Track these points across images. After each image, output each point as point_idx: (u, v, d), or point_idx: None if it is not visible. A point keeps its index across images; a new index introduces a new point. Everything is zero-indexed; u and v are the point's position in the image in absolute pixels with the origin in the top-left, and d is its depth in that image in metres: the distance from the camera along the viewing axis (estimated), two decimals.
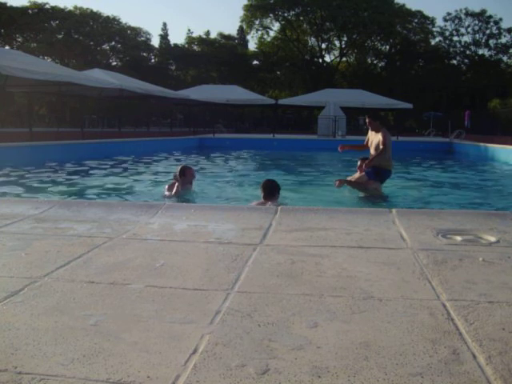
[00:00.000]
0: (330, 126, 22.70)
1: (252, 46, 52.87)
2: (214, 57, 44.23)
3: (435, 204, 6.27)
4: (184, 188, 5.74)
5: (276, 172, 10.02)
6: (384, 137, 6.15)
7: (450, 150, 18.65)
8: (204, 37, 49.10)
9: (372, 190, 6.13)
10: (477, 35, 44.14)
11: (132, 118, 22.83)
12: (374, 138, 6.32)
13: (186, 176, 5.76)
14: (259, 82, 47.22)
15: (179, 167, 5.92)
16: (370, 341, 1.52)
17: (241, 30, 49.30)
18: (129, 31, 45.97)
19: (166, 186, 5.91)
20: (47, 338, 1.53)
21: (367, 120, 6.42)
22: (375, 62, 47.99)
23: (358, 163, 6.51)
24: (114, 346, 1.48)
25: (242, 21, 45.39)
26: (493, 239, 2.78)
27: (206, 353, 1.44)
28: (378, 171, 6.17)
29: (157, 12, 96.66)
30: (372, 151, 6.34)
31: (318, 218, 3.34)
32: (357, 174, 6.41)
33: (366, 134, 6.76)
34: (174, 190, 5.65)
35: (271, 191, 4.97)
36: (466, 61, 45.07)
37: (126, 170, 10.19)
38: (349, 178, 6.39)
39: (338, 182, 6.10)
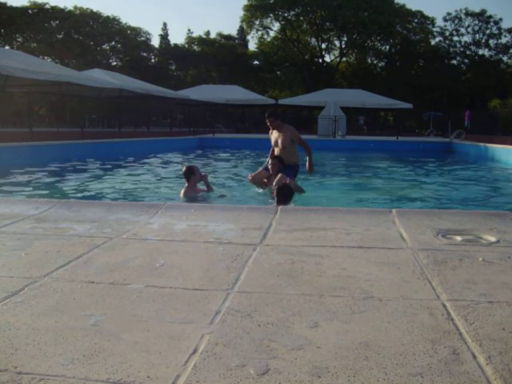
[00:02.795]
0: (330, 126, 22.70)
1: (252, 46, 53.01)
2: (213, 57, 44.24)
3: (435, 204, 6.27)
4: (195, 188, 5.59)
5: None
6: (294, 131, 6.07)
7: (450, 150, 18.66)
8: (204, 37, 49.11)
9: (295, 187, 6.03)
10: (477, 35, 44.17)
11: (132, 118, 22.81)
12: (280, 136, 6.17)
13: (195, 175, 5.59)
14: (259, 81, 47.23)
15: (184, 169, 5.68)
16: (370, 341, 1.52)
17: (241, 30, 49.33)
18: (129, 31, 45.98)
19: (182, 191, 5.61)
20: (47, 338, 1.53)
21: (268, 121, 6.19)
22: (375, 62, 48.00)
23: (270, 161, 6.14)
24: (114, 346, 1.48)
25: (242, 21, 45.40)
26: (493, 239, 2.78)
27: (205, 353, 1.44)
28: (294, 168, 6.12)
29: (157, 12, 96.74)
30: (280, 149, 6.17)
31: (318, 218, 3.34)
32: (262, 173, 6.18)
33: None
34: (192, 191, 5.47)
35: (288, 197, 4.87)
36: (466, 61, 45.06)
37: (125, 170, 10.19)
38: (265, 181, 6.08)
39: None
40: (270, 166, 6.10)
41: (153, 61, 49.01)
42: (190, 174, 5.58)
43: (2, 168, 8.66)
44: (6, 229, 3.02)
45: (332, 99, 24.55)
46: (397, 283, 2.07)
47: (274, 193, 4.96)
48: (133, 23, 77.31)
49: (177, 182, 8.16)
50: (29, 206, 3.73)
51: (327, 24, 43.58)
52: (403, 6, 43.03)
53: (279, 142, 6.20)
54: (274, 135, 6.28)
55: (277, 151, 6.27)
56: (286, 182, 5.75)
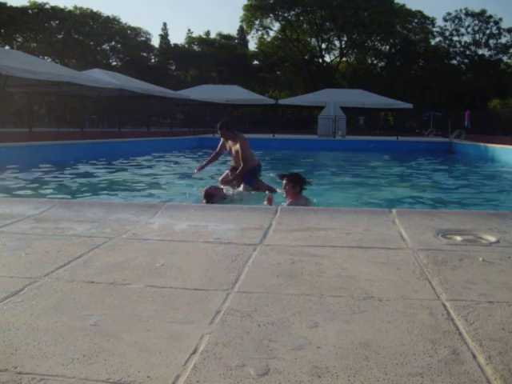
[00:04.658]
0: (330, 126, 22.70)
1: (252, 45, 52.99)
2: (213, 57, 44.25)
3: (435, 204, 6.27)
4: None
5: (276, 172, 10.00)
6: (242, 146, 5.98)
7: (450, 150, 18.67)
8: (204, 37, 49.12)
9: (266, 188, 6.17)
10: (477, 35, 44.18)
11: (132, 118, 22.79)
12: (233, 147, 6.12)
13: (216, 196, 5.34)
14: (259, 82, 47.21)
15: (204, 192, 5.34)
16: (370, 341, 1.52)
17: (241, 30, 49.32)
18: (129, 31, 46.01)
19: None
20: (47, 338, 1.53)
21: (219, 132, 6.10)
22: (375, 62, 47.99)
23: (229, 173, 6.14)
24: (114, 346, 1.48)
25: (242, 21, 45.43)
26: (493, 239, 2.78)
27: (205, 353, 1.44)
28: (251, 173, 6.07)
29: (157, 12, 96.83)
30: (237, 159, 6.12)
31: (317, 217, 3.34)
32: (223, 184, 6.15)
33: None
34: None
35: (303, 184, 4.81)
36: (466, 61, 45.07)
37: (125, 170, 10.19)
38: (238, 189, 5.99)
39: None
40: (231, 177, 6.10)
41: (153, 61, 49.02)
42: (211, 198, 5.31)
43: (2, 168, 8.66)
44: (6, 229, 3.02)
45: (332, 99, 24.55)
46: (397, 283, 2.07)
47: (287, 183, 4.85)
48: (133, 23, 77.50)
49: (176, 182, 8.17)
50: (29, 205, 3.73)
51: (327, 24, 43.59)
52: (403, 5, 43.04)
53: (232, 152, 6.14)
54: (229, 144, 6.21)
55: (234, 162, 6.21)
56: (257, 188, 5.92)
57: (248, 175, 6.03)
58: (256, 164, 6.27)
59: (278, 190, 6.08)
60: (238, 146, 6.03)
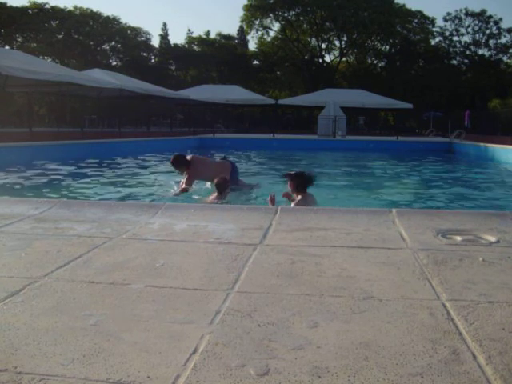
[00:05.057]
0: (330, 126, 22.69)
1: (252, 45, 53.00)
2: (213, 57, 44.26)
3: (435, 204, 6.27)
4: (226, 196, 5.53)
5: (276, 172, 10.00)
6: (187, 177, 6.22)
7: (450, 150, 18.67)
8: (204, 37, 49.13)
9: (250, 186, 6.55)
10: (477, 35, 44.20)
11: (132, 118, 22.80)
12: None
13: (229, 187, 5.49)
14: (259, 82, 47.22)
15: (221, 180, 5.48)
16: (370, 341, 1.52)
17: (241, 30, 49.34)
18: (129, 31, 46.02)
19: (210, 198, 5.53)
20: (47, 338, 1.53)
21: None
22: (375, 62, 48.00)
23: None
24: (114, 346, 1.48)
25: (242, 21, 45.46)
26: (493, 239, 2.78)
27: (205, 353, 1.44)
28: (231, 181, 6.24)
29: (157, 12, 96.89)
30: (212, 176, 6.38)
31: (317, 217, 3.34)
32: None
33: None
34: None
35: (309, 182, 4.83)
36: (466, 61, 45.08)
37: (125, 170, 10.19)
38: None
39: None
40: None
41: (153, 61, 49.04)
42: (227, 187, 5.44)
43: (2, 168, 8.66)
44: (6, 229, 3.02)
45: (332, 99, 24.54)
46: (397, 283, 2.07)
47: (294, 182, 4.86)
48: (133, 23, 77.51)
49: (176, 182, 8.15)
50: (29, 206, 3.73)
51: (327, 24, 43.60)
52: (403, 5, 43.06)
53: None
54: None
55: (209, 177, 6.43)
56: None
57: (222, 186, 6.18)
58: (228, 178, 6.35)
59: (257, 184, 6.26)
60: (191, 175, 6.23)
